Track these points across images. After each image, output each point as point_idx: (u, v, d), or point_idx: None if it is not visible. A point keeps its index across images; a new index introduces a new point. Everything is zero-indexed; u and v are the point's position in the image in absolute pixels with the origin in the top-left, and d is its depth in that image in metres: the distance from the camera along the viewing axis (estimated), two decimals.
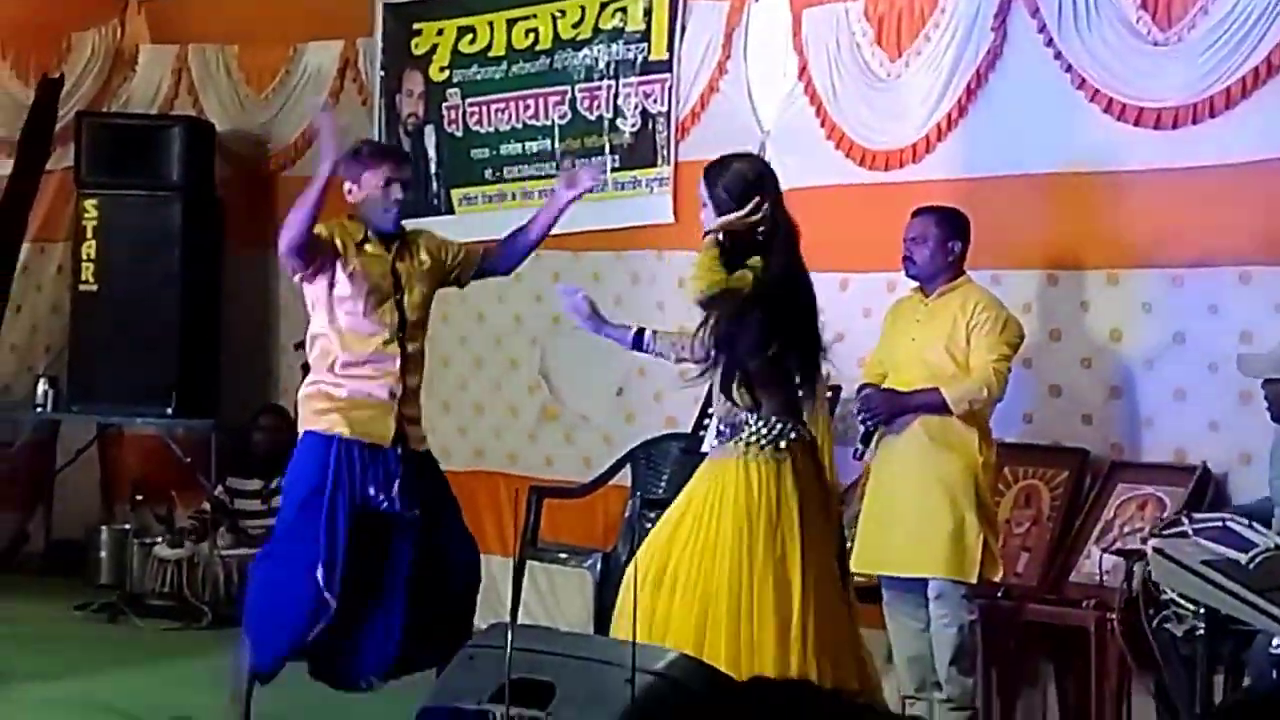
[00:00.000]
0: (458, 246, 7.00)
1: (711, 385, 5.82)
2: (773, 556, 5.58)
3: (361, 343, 6.66)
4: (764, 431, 5.69)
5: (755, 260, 5.74)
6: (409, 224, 9.83)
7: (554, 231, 9.19)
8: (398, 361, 6.68)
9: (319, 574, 6.47)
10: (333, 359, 6.65)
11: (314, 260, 6.59)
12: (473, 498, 9.20)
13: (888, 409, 6.86)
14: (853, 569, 7.01)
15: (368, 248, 6.70)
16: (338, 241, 6.64)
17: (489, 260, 7.07)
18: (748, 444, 5.69)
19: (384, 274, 6.70)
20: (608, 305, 9.08)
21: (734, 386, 5.70)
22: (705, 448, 7.19)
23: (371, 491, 6.57)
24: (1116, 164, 7.36)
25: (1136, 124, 7.29)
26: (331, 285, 6.65)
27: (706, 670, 4.63)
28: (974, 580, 6.76)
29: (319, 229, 6.59)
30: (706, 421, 7.52)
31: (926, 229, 6.99)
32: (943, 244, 6.97)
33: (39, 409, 10.64)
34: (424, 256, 6.84)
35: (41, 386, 10.61)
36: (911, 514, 6.76)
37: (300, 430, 6.74)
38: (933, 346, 6.87)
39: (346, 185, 6.73)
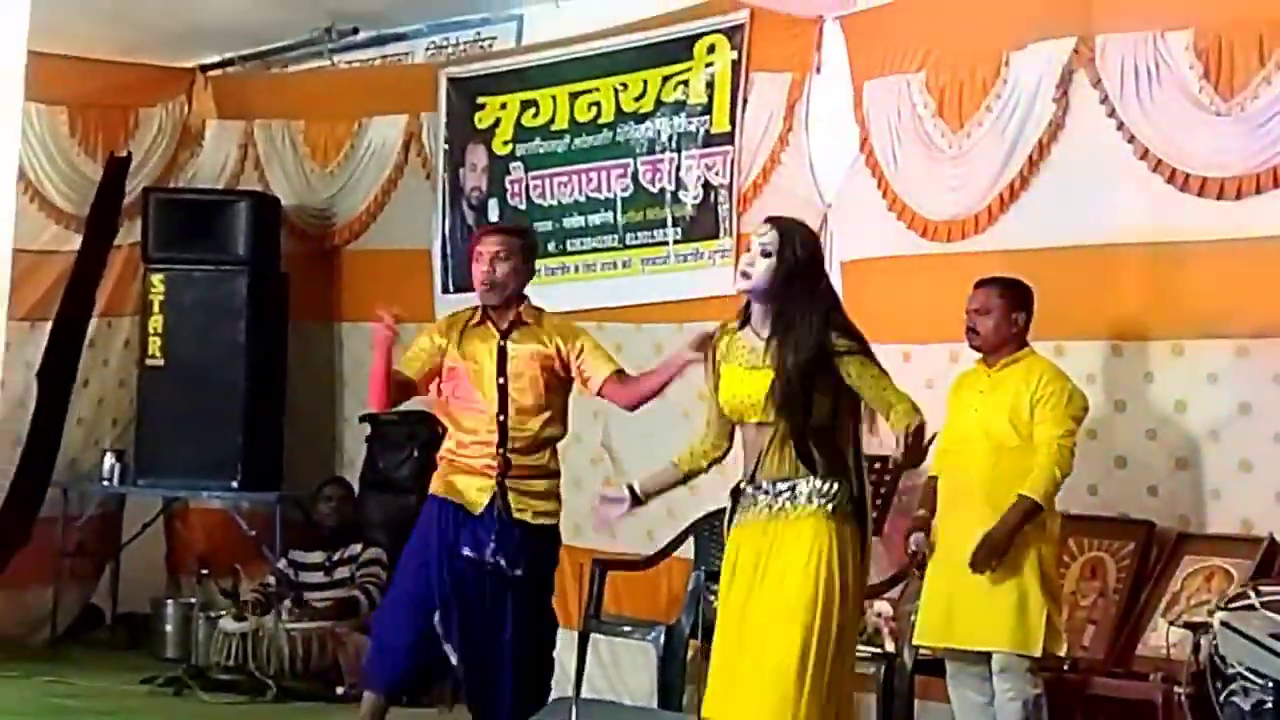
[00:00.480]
0: (581, 345, 7.15)
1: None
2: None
3: (469, 421, 7.05)
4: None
5: None
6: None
7: (615, 304, 9.31)
8: (496, 438, 6.98)
9: (426, 613, 6.93)
10: (450, 436, 7.09)
11: (414, 391, 7.14)
12: None
13: (1000, 550, 6.77)
14: (917, 641, 7.00)
15: (477, 328, 7.07)
16: (436, 343, 7.08)
17: (610, 391, 7.18)
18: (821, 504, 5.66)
19: (490, 353, 7.00)
20: (675, 381, 9.12)
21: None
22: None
23: (465, 551, 6.93)
24: (1180, 234, 7.32)
25: (1200, 194, 7.25)
26: (440, 379, 7.09)
27: None
28: (1038, 653, 6.70)
29: (421, 341, 7.14)
30: None
31: (990, 300, 6.97)
32: (1007, 315, 6.95)
33: (105, 483, 10.71)
34: (543, 340, 7.08)
35: (108, 461, 10.69)
36: (975, 587, 6.72)
37: None
38: (996, 418, 6.83)
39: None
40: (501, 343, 7.02)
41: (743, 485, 5.79)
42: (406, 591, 7.04)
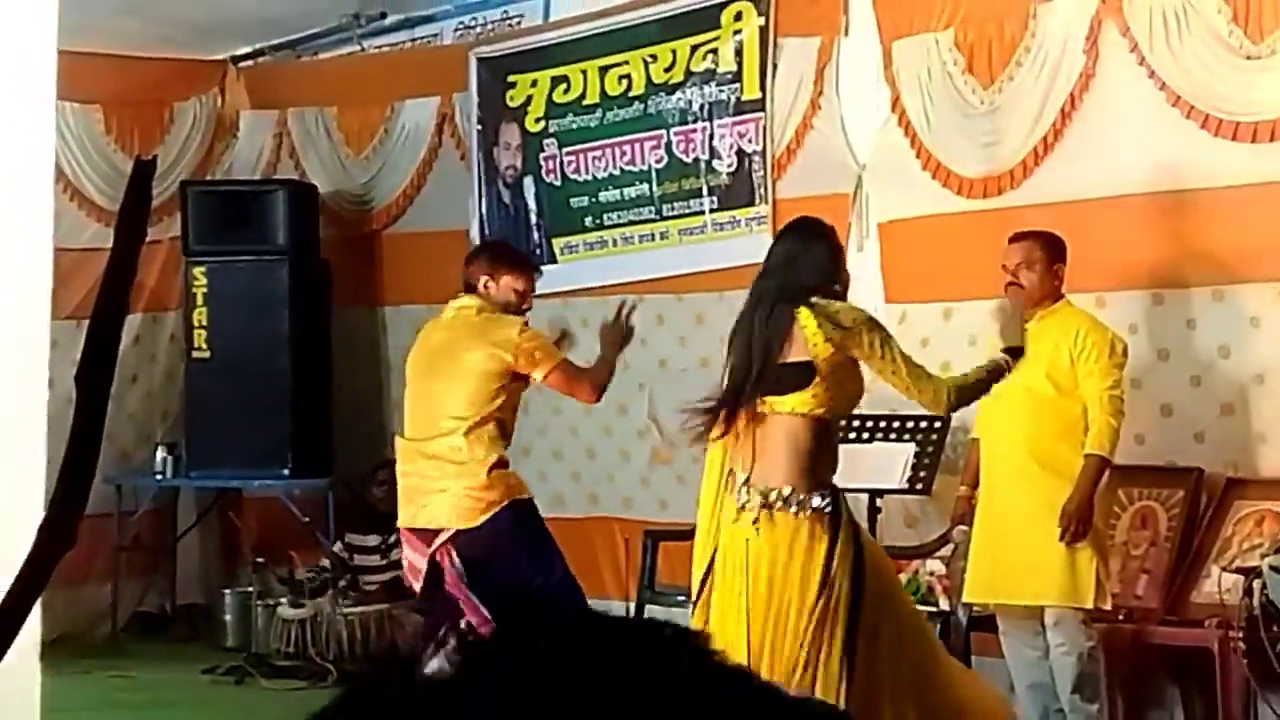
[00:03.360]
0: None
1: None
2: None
3: None
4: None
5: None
6: None
7: (655, 276, 9.33)
8: None
9: None
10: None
11: None
12: (589, 543, 9.26)
13: (1085, 515, 6.78)
14: (966, 599, 7.01)
15: None
16: None
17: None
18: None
19: None
20: (714, 346, 9.13)
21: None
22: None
23: None
24: (1215, 179, 7.32)
25: (1234, 138, 7.25)
26: None
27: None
28: (1090, 605, 6.72)
29: None
30: None
31: (1032, 253, 6.98)
32: (1049, 266, 6.96)
33: (159, 477, 10.79)
34: None
35: (160, 455, 10.76)
36: (1024, 542, 6.73)
37: None
38: (1035, 373, 6.83)
39: (483, 279, 7.40)
40: None
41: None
42: None
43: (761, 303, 5.82)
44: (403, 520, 7.47)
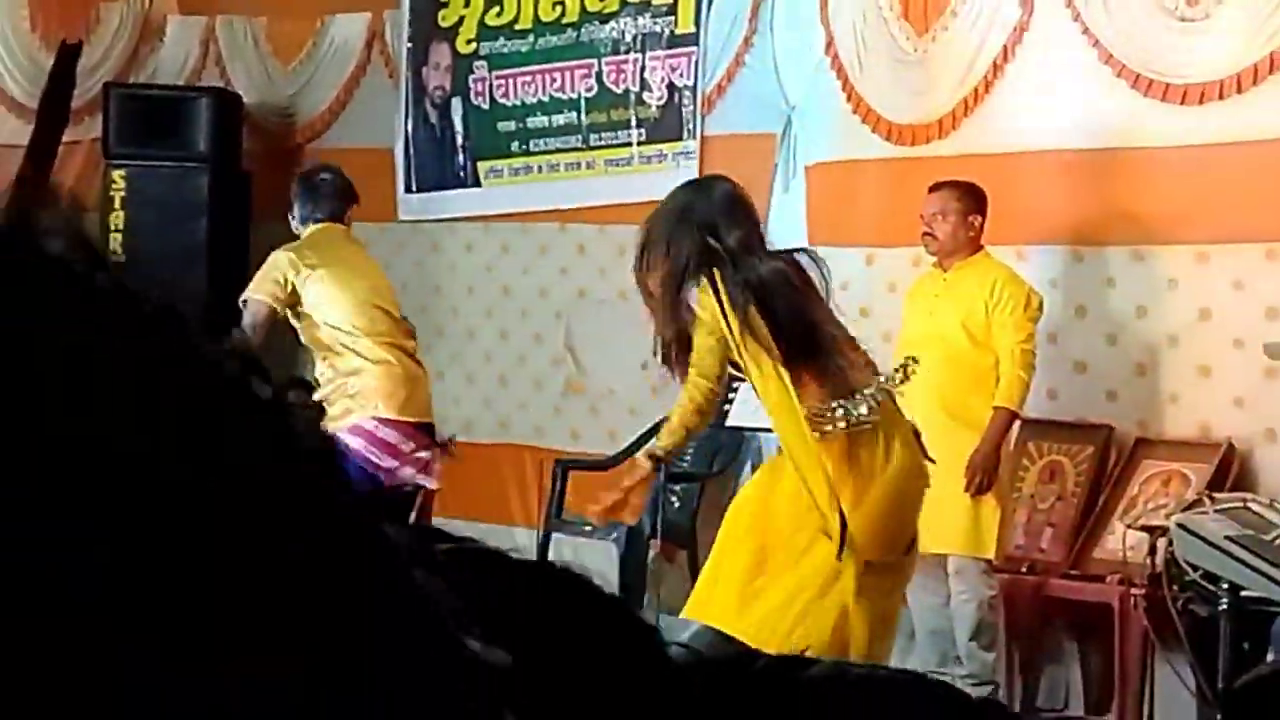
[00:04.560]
0: None
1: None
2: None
3: None
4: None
5: None
6: (438, 196, 10.02)
7: (579, 205, 9.30)
8: None
9: None
10: None
11: None
12: (498, 470, 9.25)
13: (990, 472, 6.81)
14: None
15: None
16: None
17: None
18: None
19: None
20: (634, 280, 9.13)
21: None
22: (731, 422, 7.26)
23: None
24: (1143, 140, 7.36)
25: (1163, 100, 7.28)
26: None
27: (734, 645, 4.65)
28: (992, 556, 6.78)
29: None
30: (731, 395, 7.53)
31: (947, 203, 7.00)
32: (964, 218, 6.98)
33: None
34: None
35: None
36: (931, 490, 6.76)
37: None
38: (950, 322, 6.88)
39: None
40: None
41: None
42: None
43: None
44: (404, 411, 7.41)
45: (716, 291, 5.51)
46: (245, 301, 7.40)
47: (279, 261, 7.43)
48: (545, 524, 8.66)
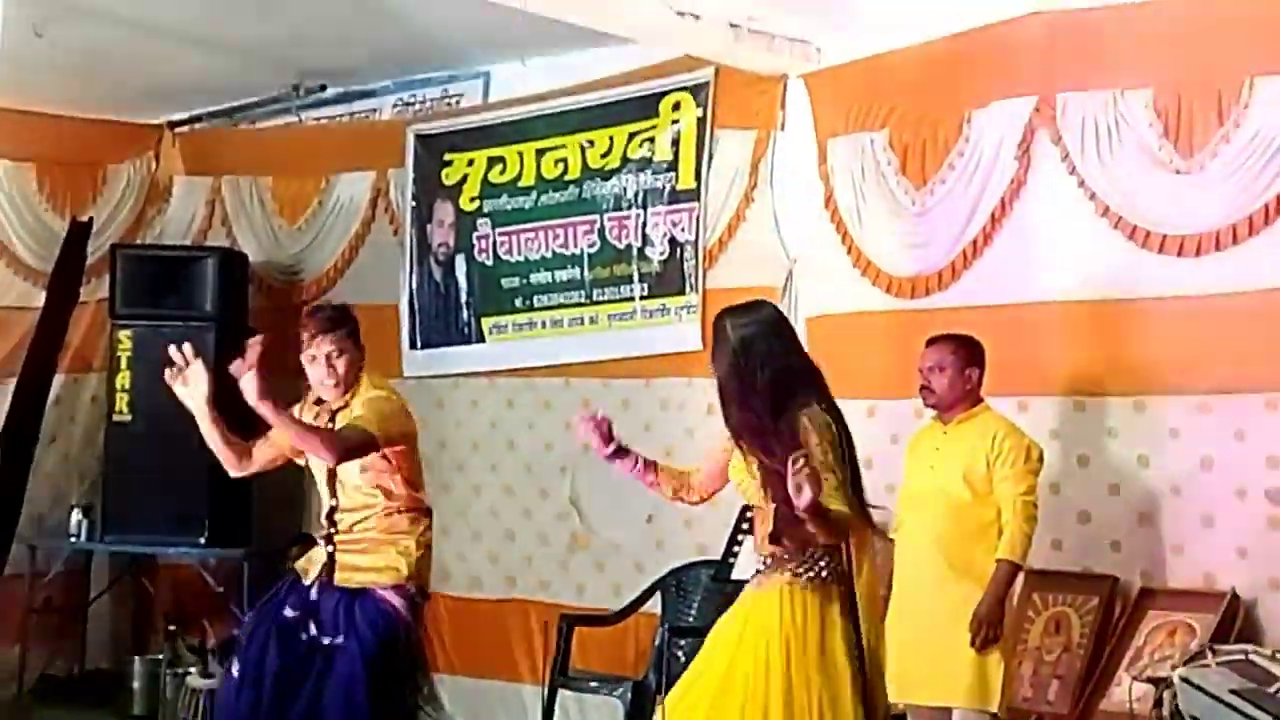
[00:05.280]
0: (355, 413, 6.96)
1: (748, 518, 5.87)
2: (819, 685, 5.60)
3: (316, 508, 7.15)
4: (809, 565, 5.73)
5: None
6: (442, 352, 9.99)
7: (583, 359, 9.34)
8: (329, 525, 6.99)
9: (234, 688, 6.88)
10: None
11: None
12: (504, 626, 9.23)
13: (994, 625, 6.80)
14: None
15: (319, 411, 7.01)
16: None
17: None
18: (795, 575, 5.71)
19: None
20: (638, 432, 9.16)
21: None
22: (736, 575, 7.24)
23: (285, 611, 6.91)
24: (1141, 291, 7.39)
25: (1160, 251, 7.32)
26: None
27: None
28: (996, 709, 6.74)
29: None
30: (736, 549, 7.54)
31: (944, 357, 7.02)
32: (960, 371, 6.99)
33: (73, 539, 10.69)
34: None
35: (75, 517, 10.67)
36: (934, 642, 6.75)
37: None
38: (951, 475, 6.88)
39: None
40: None
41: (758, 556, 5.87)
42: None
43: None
44: None
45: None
46: None
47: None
48: (551, 680, 8.63)
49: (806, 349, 8.37)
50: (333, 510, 6.97)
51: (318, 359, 6.91)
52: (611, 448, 6.26)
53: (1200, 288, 7.20)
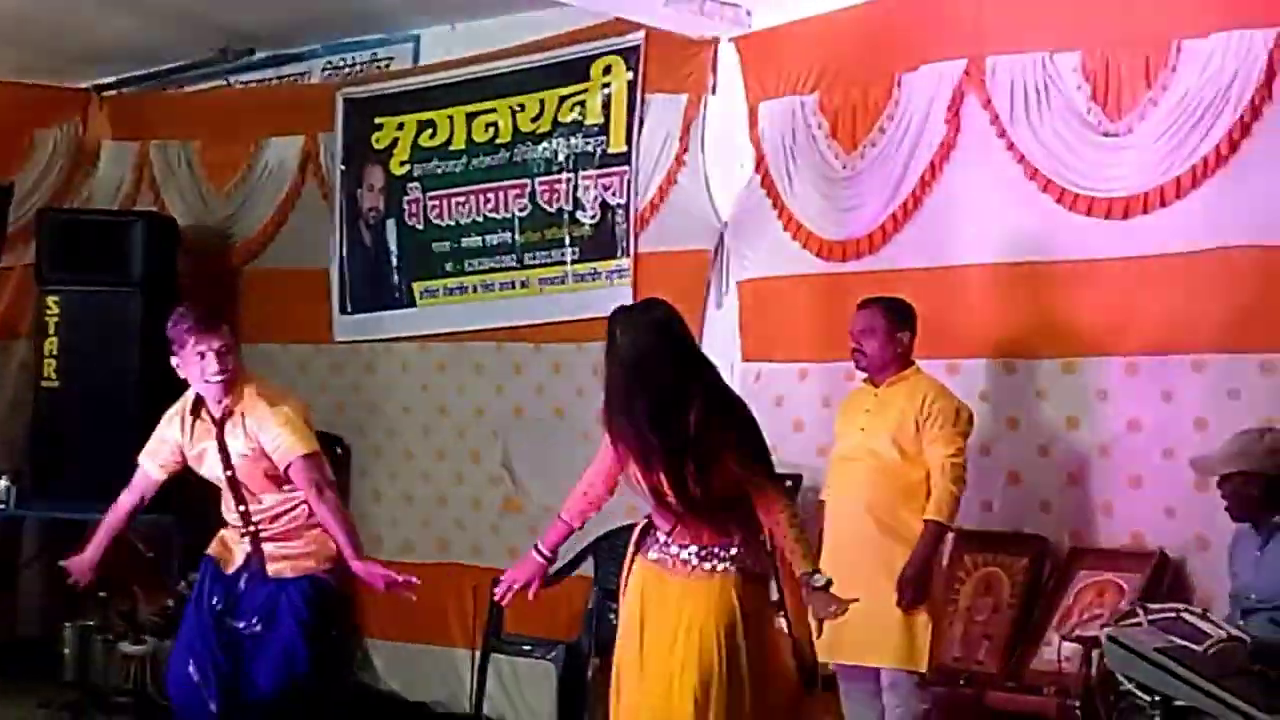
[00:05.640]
0: (273, 439, 6.95)
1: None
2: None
3: (224, 507, 7.14)
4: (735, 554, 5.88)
5: None
6: (373, 316, 9.95)
7: (514, 324, 9.32)
8: (244, 524, 7.05)
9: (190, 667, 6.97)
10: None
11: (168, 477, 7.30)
12: (437, 590, 9.22)
13: (921, 586, 6.83)
14: None
15: (198, 423, 7.07)
16: (178, 436, 7.11)
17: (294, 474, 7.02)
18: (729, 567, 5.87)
19: (216, 450, 7.02)
20: (570, 398, 9.18)
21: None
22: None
23: (214, 601, 7.03)
24: (1070, 253, 7.42)
25: (1089, 214, 7.35)
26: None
27: None
28: (924, 669, 6.79)
29: (160, 434, 7.24)
30: None
31: (874, 320, 7.05)
32: (891, 335, 7.02)
33: (1, 506, 10.61)
34: (249, 431, 6.97)
35: (3, 484, 10.58)
36: (862, 604, 6.76)
37: None
38: (880, 437, 6.92)
39: (173, 357, 7.01)
40: (223, 436, 7.01)
41: (659, 535, 5.94)
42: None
43: None
44: None
45: None
46: None
47: None
48: (484, 644, 8.63)
49: (738, 312, 8.48)
50: (245, 511, 7.01)
51: (207, 355, 6.89)
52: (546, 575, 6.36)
53: (1128, 250, 7.24)
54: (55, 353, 10.39)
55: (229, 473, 6.98)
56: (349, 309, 10.30)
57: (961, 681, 7.16)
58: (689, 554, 5.92)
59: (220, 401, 6.96)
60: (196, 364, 6.91)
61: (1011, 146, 7.61)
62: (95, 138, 11.44)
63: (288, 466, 6.88)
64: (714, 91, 8.86)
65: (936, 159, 7.87)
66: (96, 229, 10.53)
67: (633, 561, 6.10)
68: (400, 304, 10.03)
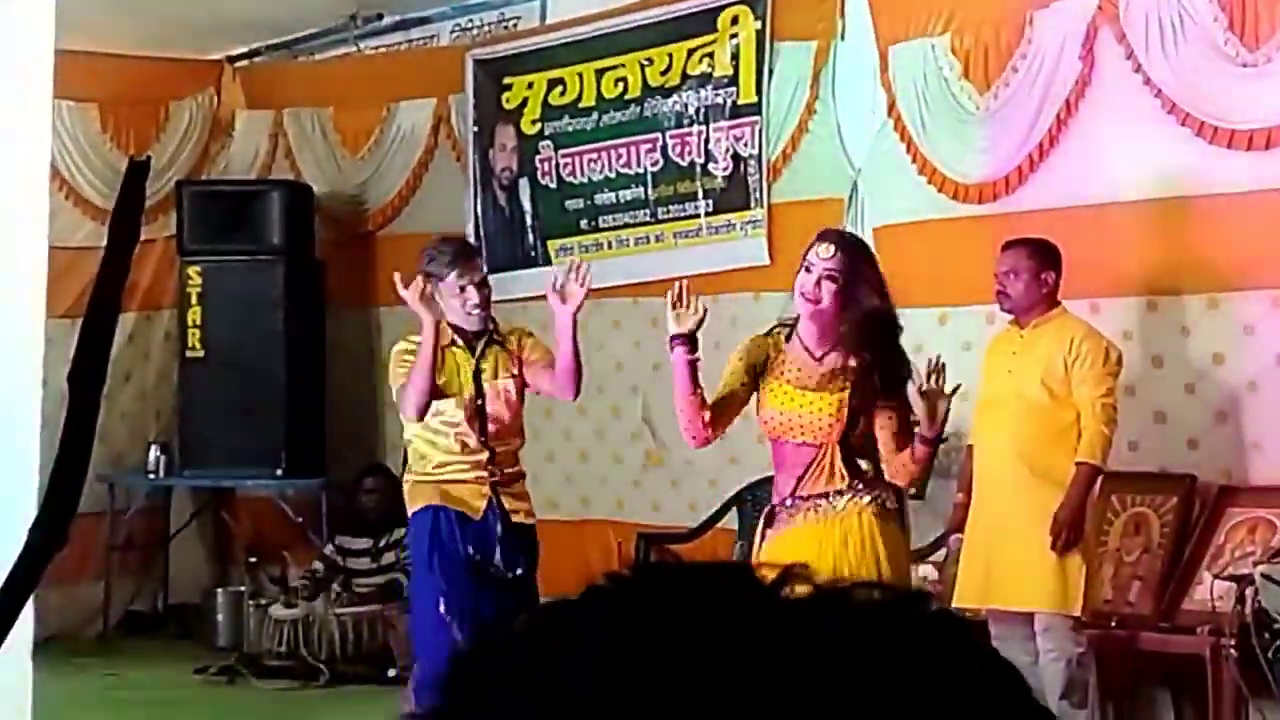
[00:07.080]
0: (531, 348, 7.05)
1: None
2: None
3: (450, 447, 6.94)
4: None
5: None
6: (509, 276, 9.96)
7: (650, 278, 9.30)
8: (485, 460, 6.96)
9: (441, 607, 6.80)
10: (428, 461, 6.98)
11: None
12: (581, 546, 9.26)
13: (1075, 529, 6.77)
14: (957, 604, 7.02)
15: (455, 351, 6.93)
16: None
17: (547, 387, 7.12)
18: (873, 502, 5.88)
19: (468, 379, 6.93)
20: (708, 349, 9.12)
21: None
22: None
23: (470, 551, 6.90)
24: (1211, 187, 7.32)
25: (1229, 146, 7.25)
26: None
27: None
28: (1079, 612, 6.73)
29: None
30: None
31: (1019, 262, 6.98)
32: (1036, 276, 6.95)
33: (151, 476, 10.78)
34: (513, 352, 7.01)
35: (153, 454, 10.75)
36: (1015, 547, 6.74)
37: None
38: (1029, 380, 6.85)
39: (426, 288, 6.87)
40: (480, 363, 6.98)
41: (780, 503, 5.94)
42: (424, 603, 7.06)
43: None
44: None
45: None
46: None
47: None
48: None
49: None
50: (491, 454, 6.98)
51: (468, 289, 6.88)
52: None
53: (1270, 181, 7.13)
54: (198, 323, 10.52)
55: (480, 399, 6.97)
56: (485, 269, 10.32)
57: (1114, 624, 7.10)
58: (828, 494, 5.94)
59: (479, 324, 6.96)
60: (454, 297, 6.90)
61: (1148, 81, 7.51)
62: (230, 108, 11.55)
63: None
64: (843, 37, 8.80)
65: (1072, 97, 7.78)
66: (234, 199, 10.66)
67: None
68: (536, 263, 10.05)
